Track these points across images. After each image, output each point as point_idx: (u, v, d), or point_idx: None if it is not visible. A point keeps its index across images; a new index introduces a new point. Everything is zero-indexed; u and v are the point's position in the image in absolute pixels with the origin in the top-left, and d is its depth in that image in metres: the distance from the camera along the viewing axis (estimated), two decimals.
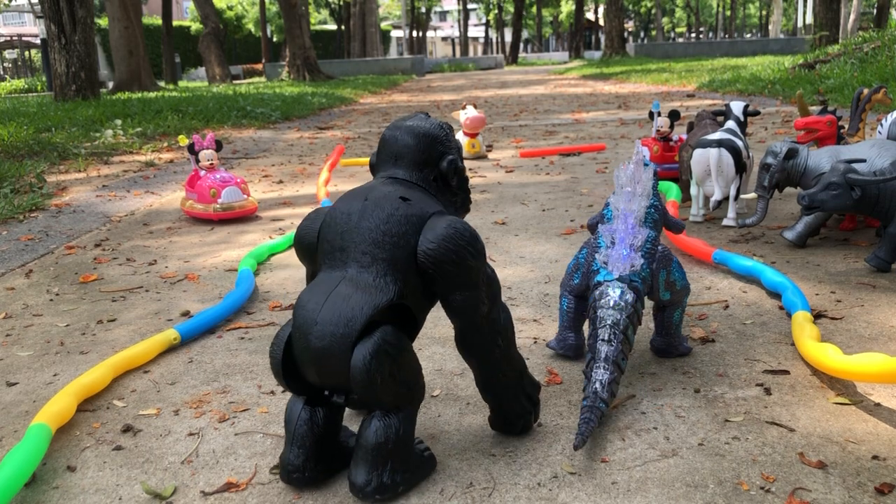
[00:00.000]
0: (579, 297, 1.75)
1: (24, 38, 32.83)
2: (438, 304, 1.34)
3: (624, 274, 1.58)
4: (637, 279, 1.59)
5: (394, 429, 1.23)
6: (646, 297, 1.66)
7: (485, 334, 1.32)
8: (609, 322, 1.51)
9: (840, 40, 14.65)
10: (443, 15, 76.27)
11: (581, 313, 1.78)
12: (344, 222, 1.28)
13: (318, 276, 1.29)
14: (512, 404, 1.41)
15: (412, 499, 1.27)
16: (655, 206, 1.75)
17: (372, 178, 1.42)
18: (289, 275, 2.72)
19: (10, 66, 35.78)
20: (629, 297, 1.55)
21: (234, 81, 23.07)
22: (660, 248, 1.67)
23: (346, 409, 1.56)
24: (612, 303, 1.53)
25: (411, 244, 1.24)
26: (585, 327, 1.89)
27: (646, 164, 1.75)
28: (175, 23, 28.57)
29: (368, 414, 1.25)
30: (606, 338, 1.49)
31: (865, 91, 3.18)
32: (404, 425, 1.24)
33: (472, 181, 4.57)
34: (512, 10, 48.18)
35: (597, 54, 33.93)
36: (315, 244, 1.33)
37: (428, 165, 1.36)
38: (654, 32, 60.44)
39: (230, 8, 37.92)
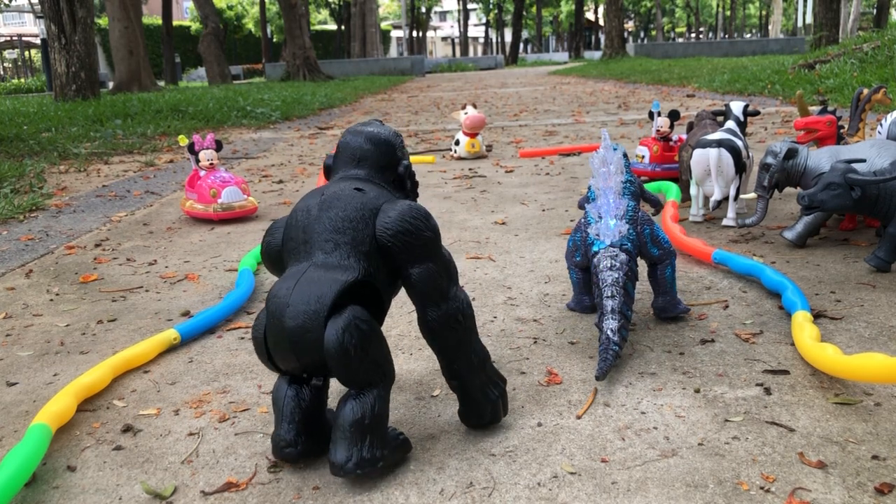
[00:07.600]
0: (583, 269, 2.06)
1: (24, 38, 32.86)
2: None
3: (615, 240, 1.85)
4: (627, 242, 1.86)
5: (369, 405, 1.28)
6: (638, 258, 1.93)
7: (444, 310, 1.37)
8: (609, 281, 1.79)
9: (840, 40, 14.67)
10: (443, 15, 76.27)
11: (589, 280, 2.07)
12: (304, 218, 1.37)
13: (286, 271, 1.37)
14: (478, 390, 1.44)
15: (412, 498, 1.28)
16: (630, 180, 2.03)
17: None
18: None
19: (10, 66, 35.79)
20: (623, 257, 1.83)
21: (234, 81, 23.07)
22: (640, 213, 1.95)
23: (331, 390, 1.59)
24: (609, 265, 1.81)
25: (370, 226, 1.34)
26: None
27: (614, 148, 1.99)
28: (175, 23, 28.57)
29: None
30: (610, 294, 1.77)
31: (865, 91, 3.18)
32: (378, 403, 1.29)
33: (472, 181, 4.58)
34: (512, 10, 48.19)
35: (597, 54, 33.97)
36: (281, 252, 1.41)
37: (387, 169, 1.49)
38: (654, 32, 60.43)
39: (230, 8, 37.95)
